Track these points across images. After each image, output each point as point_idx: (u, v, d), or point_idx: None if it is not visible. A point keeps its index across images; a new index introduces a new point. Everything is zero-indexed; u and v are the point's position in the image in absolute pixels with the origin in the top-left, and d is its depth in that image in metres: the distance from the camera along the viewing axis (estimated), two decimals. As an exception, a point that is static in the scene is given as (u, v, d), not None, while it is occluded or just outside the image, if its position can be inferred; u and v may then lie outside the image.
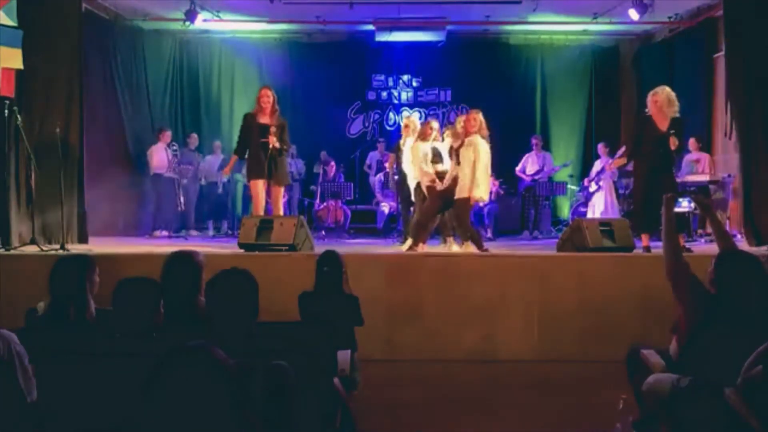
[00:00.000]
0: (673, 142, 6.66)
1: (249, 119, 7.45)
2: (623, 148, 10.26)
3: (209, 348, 1.71)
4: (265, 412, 2.19)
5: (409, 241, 7.24)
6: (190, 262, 3.59)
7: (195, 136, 11.12)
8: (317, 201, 10.85)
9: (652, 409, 3.26)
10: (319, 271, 4.49)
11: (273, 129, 7.26)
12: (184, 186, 10.26)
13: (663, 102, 6.72)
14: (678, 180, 8.52)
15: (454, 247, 7.26)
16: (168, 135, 10.26)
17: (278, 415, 2.25)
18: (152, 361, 1.69)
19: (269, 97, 7.37)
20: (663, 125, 6.69)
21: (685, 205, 8.45)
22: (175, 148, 10.31)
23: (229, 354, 2.14)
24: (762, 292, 3.16)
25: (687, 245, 6.95)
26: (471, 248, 6.96)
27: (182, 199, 9.92)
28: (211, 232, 10.61)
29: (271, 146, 7.22)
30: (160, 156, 10.04)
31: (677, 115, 6.74)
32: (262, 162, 7.30)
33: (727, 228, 9.00)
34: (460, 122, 7.32)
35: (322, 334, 3.31)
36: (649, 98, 6.86)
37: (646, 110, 6.89)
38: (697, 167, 9.51)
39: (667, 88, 6.91)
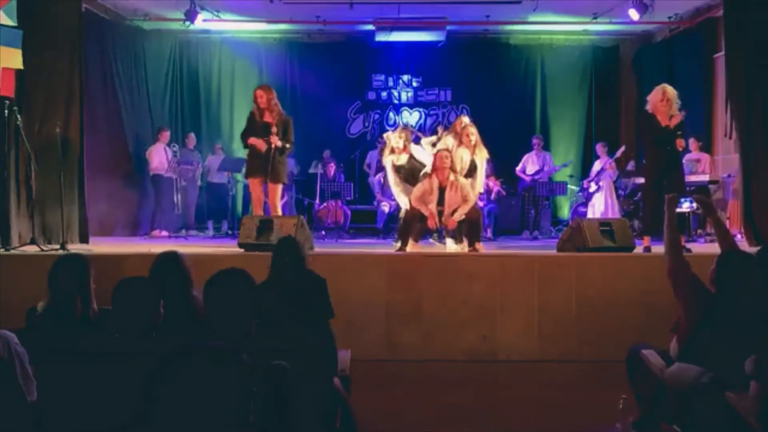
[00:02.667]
0: (681, 144, 6.66)
1: (251, 118, 7.47)
2: (623, 148, 10.31)
3: (220, 348, 1.70)
4: (264, 412, 2.19)
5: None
6: (175, 262, 3.62)
7: (193, 135, 11.13)
8: (317, 201, 10.85)
9: (666, 402, 3.26)
10: (279, 259, 4.12)
11: (274, 129, 7.27)
12: (183, 186, 10.27)
13: (672, 98, 6.70)
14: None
15: (452, 245, 7.25)
16: (167, 135, 10.27)
17: (277, 415, 2.25)
18: (152, 360, 1.68)
19: (262, 97, 7.35)
20: (668, 122, 6.67)
21: (686, 206, 8.43)
22: (175, 148, 10.32)
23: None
24: (762, 293, 3.17)
25: (687, 245, 6.95)
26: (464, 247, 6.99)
27: (179, 200, 9.91)
28: (211, 232, 10.61)
29: (273, 146, 7.22)
30: (159, 156, 10.05)
31: (680, 115, 6.71)
32: (260, 160, 7.32)
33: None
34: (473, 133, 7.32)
35: (322, 334, 3.31)
36: (655, 95, 6.79)
37: (647, 107, 6.86)
38: (697, 167, 9.51)
39: (670, 86, 6.90)
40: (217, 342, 1.75)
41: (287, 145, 7.40)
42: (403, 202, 7.42)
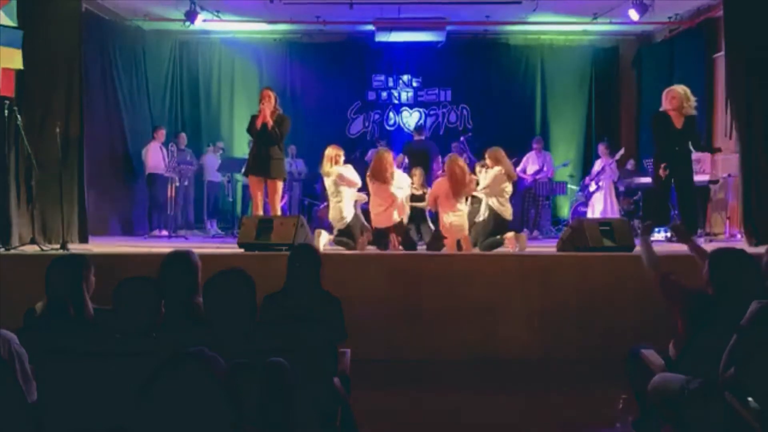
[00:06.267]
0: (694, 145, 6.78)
1: (252, 119, 7.52)
2: (622, 150, 10.33)
3: (204, 356, 1.70)
4: (263, 410, 2.19)
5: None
6: (187, 262, 3.61)
7: (183, 135, 11.00)
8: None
9: (658, 408, 3.26)
10: (292, 266, 4.02)
11: (271, 123, 7.31)
12: (181, 186, 10.25)
13: (682, 98, 6.78)
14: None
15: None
16: (162, 133, 10.26)
17: (276, 412, 2.25)
18: (152, 361, 1.69)
19: (270, 97, 7.41)
20: (679, 122, 6.75)
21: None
22: (173, 148, 10.31)
23: (228, 354, 2.14)
24: (756, 287, 3.16)
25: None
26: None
27: (174, 199, 9.90)
28: (211, 232, 10.61)
29: (269, 126, 7.24)
30: (155, 155, 10.03)
31: (694, 112, 6.82)
32: (259, 158, 7.37)
33: (727, 228, 9.03)
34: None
35: (322, 333, 3.30)
36: (666, 95, 6.91)
37: (661, 108, 6.94)
38: (697, 167, 9.50)
39: (683, 86, 7.01)
40: (198, 348, 1.75)
41: (278, 131, 7.39)
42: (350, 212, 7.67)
